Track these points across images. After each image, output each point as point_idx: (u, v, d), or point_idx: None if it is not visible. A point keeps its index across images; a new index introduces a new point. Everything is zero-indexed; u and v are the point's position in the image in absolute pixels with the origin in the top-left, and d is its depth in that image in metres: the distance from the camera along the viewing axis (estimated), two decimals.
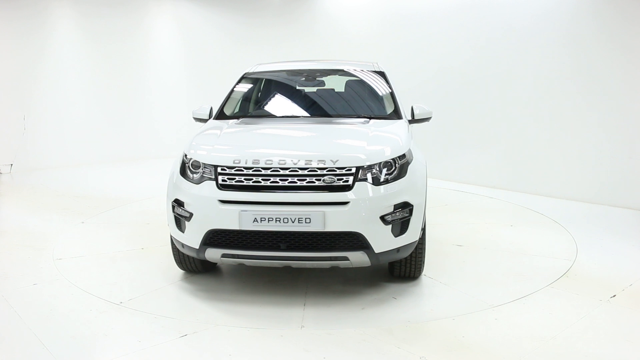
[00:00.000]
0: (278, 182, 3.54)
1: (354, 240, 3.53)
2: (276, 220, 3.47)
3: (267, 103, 5.22)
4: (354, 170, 3.56)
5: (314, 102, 5.13)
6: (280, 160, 3.58)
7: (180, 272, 4.41)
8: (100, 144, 10.06)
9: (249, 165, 3.60)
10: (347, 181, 3.54)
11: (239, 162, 3.63)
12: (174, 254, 4.25)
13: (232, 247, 3.62)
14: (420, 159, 4.12)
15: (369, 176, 3.59)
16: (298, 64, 5.55)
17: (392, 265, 4.14)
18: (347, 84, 5.22)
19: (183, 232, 3.78)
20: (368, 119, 4.49)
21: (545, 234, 5.56)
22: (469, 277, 4.34)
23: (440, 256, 4.80)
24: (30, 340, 3.30)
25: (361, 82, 5.21)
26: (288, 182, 3.53)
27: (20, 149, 9.07)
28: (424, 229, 4.02)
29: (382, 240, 3.59)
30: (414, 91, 7.99)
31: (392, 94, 4.91)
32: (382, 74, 5.16)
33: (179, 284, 4.18)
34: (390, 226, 3.59)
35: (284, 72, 5.45)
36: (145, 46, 10.73)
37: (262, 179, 3.56)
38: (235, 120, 4.66)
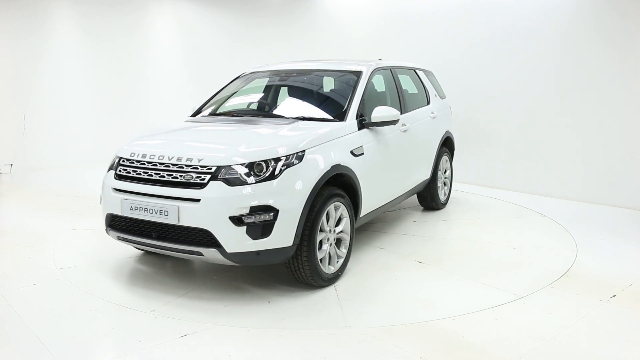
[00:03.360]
0: (152, 176, 3.85)
1: (205, 237, 3.64)
2: (144, 210, 3.79)
3: (224, 104, 5.32)
4: (213, 169, 3.68)
5: (262, 103, 5.30)
6: (160, 156, 3.88)
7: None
8: (100, 144, 10.02)
9: (139, 159, 3.98)
10: (203, 179, 3.67)
11: (134, 156, 4.02)
12: None
13: (122, 232, 4.01)
14: (316, 165, 3.90)
15: (227, 176, 3.65)
16: (286, 64, 5.60)
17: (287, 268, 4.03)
18: (313, 84, 5.23)
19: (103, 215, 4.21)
20: (300, 120, 4.50)
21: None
22: (374, 299, 3.91)
23: (385, 271, 4.43)
24: (30, 340, 3.30)
25: (326, 83, 5.23)
26: (159, 177, 3.82)
27: (20, 149, 9.07)
28: (304, 235, 3.79)
29: (234, 240, 3.61)
30: None
31: (352, 96, 4.70)
32: (358, 74, 4.97)
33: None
34: (244, 227, 3.60)
35: (267, 73, 5.53)
36: (145, 46, 10.72)
37: (143, 172, 3.91)
38: (186, 119, 5.05)
